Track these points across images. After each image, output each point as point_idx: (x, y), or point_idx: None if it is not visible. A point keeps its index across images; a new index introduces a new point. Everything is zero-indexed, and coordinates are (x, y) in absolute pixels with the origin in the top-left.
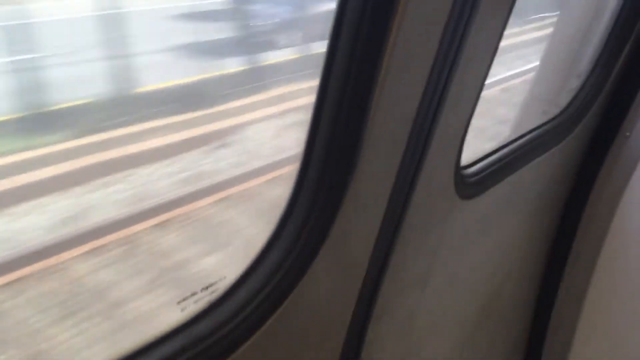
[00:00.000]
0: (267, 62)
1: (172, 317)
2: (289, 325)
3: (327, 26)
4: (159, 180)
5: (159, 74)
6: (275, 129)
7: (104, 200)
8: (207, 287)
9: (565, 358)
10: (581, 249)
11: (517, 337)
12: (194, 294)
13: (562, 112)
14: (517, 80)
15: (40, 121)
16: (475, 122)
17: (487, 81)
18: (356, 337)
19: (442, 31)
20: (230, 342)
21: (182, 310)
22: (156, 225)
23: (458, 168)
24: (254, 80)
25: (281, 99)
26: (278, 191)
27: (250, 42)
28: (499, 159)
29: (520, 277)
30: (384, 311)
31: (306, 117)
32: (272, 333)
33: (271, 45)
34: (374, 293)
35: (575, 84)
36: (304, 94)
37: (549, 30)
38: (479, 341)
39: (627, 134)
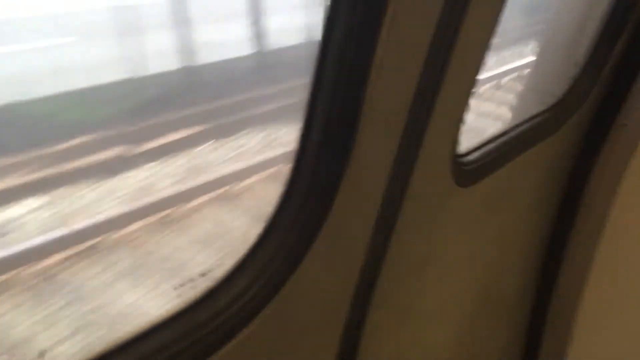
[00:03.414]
0: None
1: None
2: (286, 314)
3: None
4: None
5: None
6: None
7: None
8: (204, 274)
9: (564, 348)
10: (580, 237)
11: (516, 327)
12: (191, 280)
13: (559, 100)
14: None
15: None
16: None
17: None
18: (355, 325)
19: (439, 14)
20: (228, 330)
21: (179, 296)
22: None
23: (455, 155)
24: None
25: None
26: None
27: None
28: (496, 147)
29: (519, 267)
30: (382, 300)
31: None
32: (269, 321)
33: None
34: (372, 281)
35: (572, 72)
36: None
37: None
38: (478, 331)
39: (625, 122)
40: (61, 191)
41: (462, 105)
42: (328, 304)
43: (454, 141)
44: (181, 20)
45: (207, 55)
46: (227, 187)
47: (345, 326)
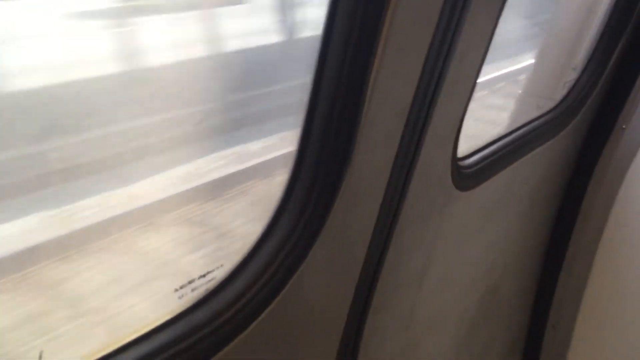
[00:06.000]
0: None
1: None
2: (285, 318)
3: None
4: None
5: None
6: None
7: None
8: (204, 275)
9: (564, 353)
10: (579, 242)
11: (516, 333)
12: (191, 282)
13: (558, 105)
14: None
15: None
16: None
17: None
18: (354, 330)
19: (436, 21)
20: (227, 332)
21: (180, 298)
22: None
23: (455, 159)
24: None
25: None
26: None
27: None
28: (496, 151)
29: (519, 271)
30: (382, 305)
31: None
32: (267, 324)
33: None
34: (372, 286)
35: (571, 76)
36: None
37: None
38: (478, 335)
39: (624, 126)
40: None
41: (461, 110)
42: (327, 308)
43: (454, 145)
44: None
45: None
46: None
47: (344, 330)
